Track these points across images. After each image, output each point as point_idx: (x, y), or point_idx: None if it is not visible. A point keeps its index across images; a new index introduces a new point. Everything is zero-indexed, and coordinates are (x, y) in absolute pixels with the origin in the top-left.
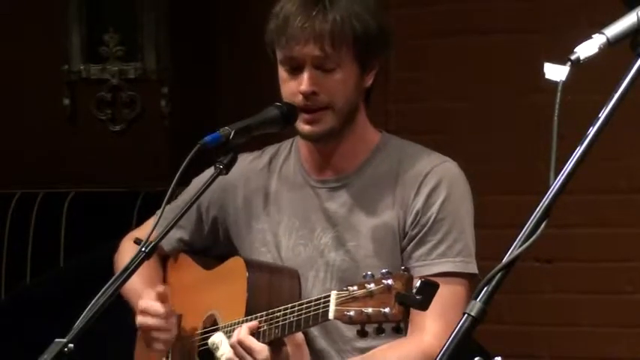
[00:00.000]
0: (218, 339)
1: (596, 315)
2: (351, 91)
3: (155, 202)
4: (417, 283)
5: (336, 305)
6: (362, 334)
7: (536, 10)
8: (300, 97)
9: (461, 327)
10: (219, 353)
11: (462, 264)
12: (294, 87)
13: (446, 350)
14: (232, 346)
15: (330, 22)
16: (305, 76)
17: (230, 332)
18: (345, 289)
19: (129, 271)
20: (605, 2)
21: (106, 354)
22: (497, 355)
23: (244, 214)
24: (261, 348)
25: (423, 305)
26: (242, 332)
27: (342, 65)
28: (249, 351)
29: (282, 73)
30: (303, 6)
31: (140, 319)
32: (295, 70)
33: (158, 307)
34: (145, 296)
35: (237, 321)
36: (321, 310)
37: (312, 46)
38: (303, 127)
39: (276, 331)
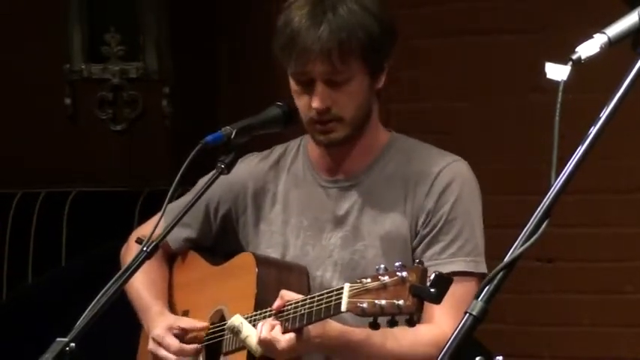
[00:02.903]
0: (238, 321)
1: (597, 315)
2: (362, 99)
3: (157, 202)
4: (432, 276)
5: (349, 297)
6: (374, 326)
7: (537, 10)
8: (313, 112)
9: (462, 326)
10: (242, 335)
11: (473, 264)
12: (306, 101)
13: (447, 349)
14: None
15: (337, 37)
16: (317, 93)
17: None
18: (358, 281)
19: (130, 270)
20: (607, 2)
21: (108, 353)
22: (498, 355)
23: (252, 215)
24: (287, 337)
25: (437, 298)
26: (264, 331)
27: (353, 77)
28: (276, 342)
29: (294, 85)
30: (309, 23)
31: (152, 347)
32: (306, 84)
33: (173, 341)
34: (159, 324)
35: (253, 314)
36: (333, 303)
37: (321, 63)
38: (318, 136)
39: (287, 324)
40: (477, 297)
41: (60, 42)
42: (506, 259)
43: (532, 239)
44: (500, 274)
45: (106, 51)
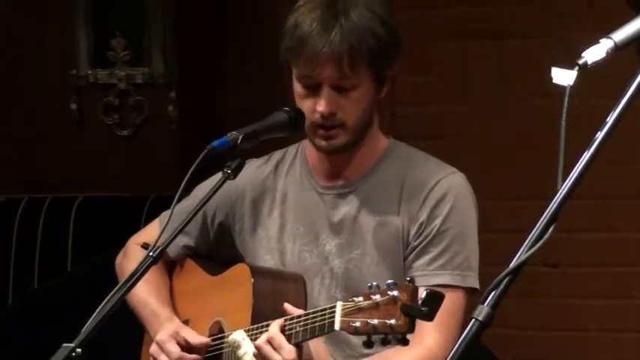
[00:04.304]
0: (240, 337)
1: (604, 320)
2: (365, 107)
3: (162, 207)
4: (423, 294)
5: (342, 316)
6: (368, 344)
7: (543, 15)
8: (317, 115)
9: (468, 331)
10: (241, 351)
11: (460, 277)
12: (311, 105)
13: (454, 355)
14: (258, 347)
15: (348, 43)
16: (323, 97)
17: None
18: (350, 299)
19: (137, 275)
20: (613, 7)
21: (111, 359)
22: None
23: (250, 220)
24: (290, 348)
25: (429, 316)
26: (273, 329)
27: (360, 84)
28: (279, 348)
29: (298, 88)
30: (321, 27)
31: (154, 350)
32: (312, 88)
33: (174, 349)
34: (165, 329)
35: (256, 327)
36: (327, 321)
37: (330, 68)
38: (319, 141)
39: None
40: (482, 302)
41: (66, 47)
42: (512, 264)
43: (538, 244)
44: (506, 279)
45: (112, 56)
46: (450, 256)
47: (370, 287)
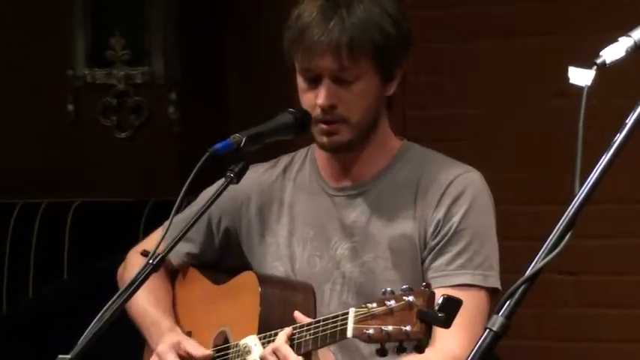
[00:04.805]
0: (252, 342)
1: (623, 330)
2: (370, 102)
3: (163, 212)
4: (440, 299)
5: (355, 323)
6: (381, 353)
7: (558, 13)
8: (318, 110)
9: (483, 342)
10: (250, 357)
11: (481, 277)
12: (312, 98)
13: None
14: (263, 357)
15: (348, 34)
16: (323, 89)
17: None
18: (363, 306)
19: (136, 284)
20: (631, 4)
21: None
22: None
23: (257, 226)
24: (296, 358)
25: (446, 323)
26: (280, 339)
27: (362, 77)
28: (284, 359)
29: (301, 82)
30: (320, 16)
31: None
32: (313, 81)
33: (172, 359)
34: (166, 340)
35: (268, 333)
36: (339, 328)
37: (329, 58)
38: (321, 138)
39: (293, 349)
40: (497, 312)
41: (63, 47)
42: (528, 272)
43: (555, 251)
44: (522, 288)
45: (111, 55)
46: (469, 255)
47: (384, 293)
